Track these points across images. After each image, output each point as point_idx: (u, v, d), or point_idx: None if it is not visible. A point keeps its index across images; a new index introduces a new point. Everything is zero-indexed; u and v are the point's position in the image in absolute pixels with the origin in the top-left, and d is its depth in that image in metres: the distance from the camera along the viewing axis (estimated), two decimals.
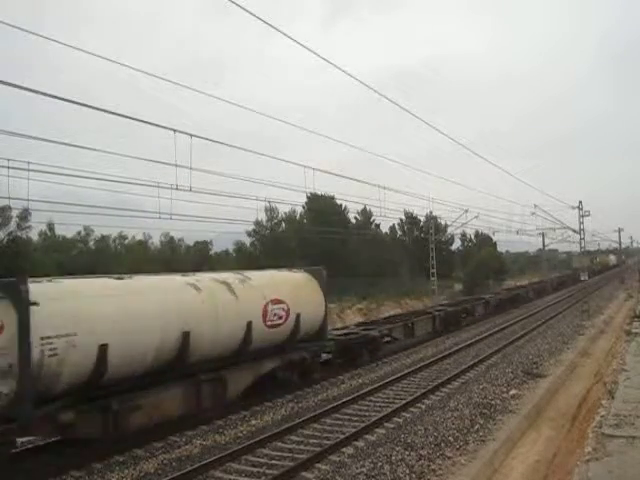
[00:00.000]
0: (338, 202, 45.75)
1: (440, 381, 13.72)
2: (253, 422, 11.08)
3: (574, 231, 33.87)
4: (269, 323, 12.13)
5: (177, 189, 16.04)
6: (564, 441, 9.31)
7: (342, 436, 9.63)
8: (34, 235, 38.99)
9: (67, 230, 42.63)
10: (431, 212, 41.69)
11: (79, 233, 42.87)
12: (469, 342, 20.27)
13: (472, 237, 71.24)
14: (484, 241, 67.48)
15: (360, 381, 14.62)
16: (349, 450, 9.05)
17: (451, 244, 62.74)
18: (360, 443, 9.37)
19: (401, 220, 56.76)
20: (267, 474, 8.17)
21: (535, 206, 38.03)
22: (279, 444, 9.59)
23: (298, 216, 49.27)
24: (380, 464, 8.06)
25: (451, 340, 21.55)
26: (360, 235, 47.09)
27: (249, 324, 11.36)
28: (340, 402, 12.06)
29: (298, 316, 12.88)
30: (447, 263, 53.21)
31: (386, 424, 10.42)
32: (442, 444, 8.90)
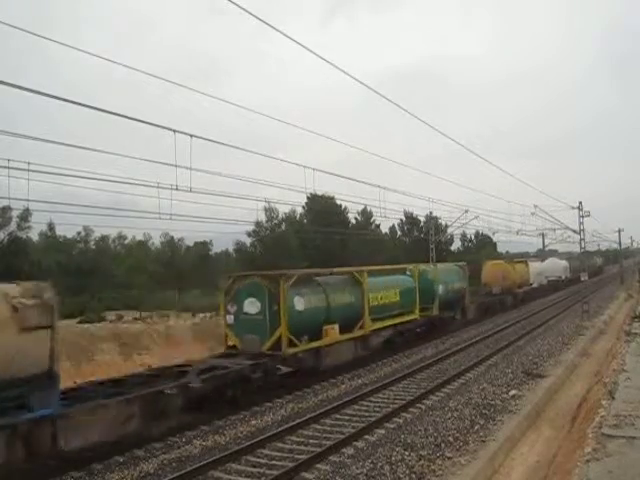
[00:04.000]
0: (338, 202, 45.82)
1: (440, 381, 13.73)
2: (253, 422, 11.09)
3: (574, 231, 33.85)
4: None
5: (177, 189, 16.02)
6: (564, 441, 9.30)
7: (342, 436, 9.63)
8: (34, 235, 39.10)
9: (67, 230, 42.75)
10: (431, 212, 41.72)
11: (79, 233, 42.99)
12: (469, 343, 20.33)
13: (472, 237, 71.27)
14: (484, 242, 67.49)
15: (360, 381, 14.62)
16: (349, 450, 9.06)
17: (451, 244, 62.70)
18: (360, 443, 9.38)
19: (401, 220, 56.80)
20: (267, 474, 8.18)
21: (535, 206, 37.91)
22: (279, 444, 9.60)
23: (298, 216, 49.33)
24: (380, 464, 8.07)
25: (451, 341, 21.59)
26: (360, 235, 47.09)
27: None
28: (340, 402, 12.07)
29: None
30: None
31: (386, 424, 10.43)
32: (442, 444, 8.90)
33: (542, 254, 59.09)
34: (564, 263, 52.61)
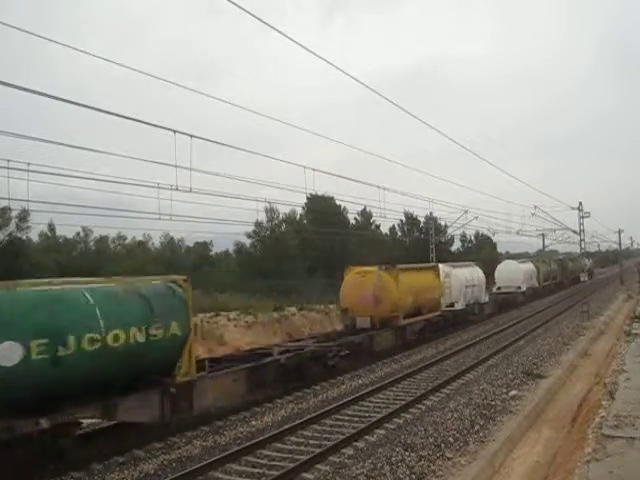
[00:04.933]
0: (338, 203, 45.78)
1: (440, 382, 13.73)
2: (253, 423, 11.09)
3: (574, 232, 33.89)
4: None
5: (177, 190, 16.04)
6: (564, 442, 9.30)
7: (342, 437, 9.63)
8: (34, 236, 39.08)
9: (67, 231, 42.76)
10: (431, 213, 41.71)
11: (77, 234, 42.97)
12: (469, 343, 20.35)
13: (472, 238, 71.27)
14: (484, 242, 67.51)
15: (360, 382, 14.63)
16: (349, 451, 9.05)
17: (451, 245, 62.68)
18: (360, 444, 9.37)
19: (401, 221, 56.77)
20: (267, 475, 8.18)
21: (535, 207, 37.86)
22: (279, 445, 9.59)
23: (298, 217, 49.30)
24: (380, 465, 8.06)
25: (451, 341, 21.61)
26: (360, 236, 47.08)
27: None
28: (340, 403, 12.06)
29: None
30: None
31: (386, 425, 10.42)
32: (442, 445, 8.89)
33: (542, 255, 59.00)
34: (526, 268, 37.86)
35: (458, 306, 24.97)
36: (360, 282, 19.30)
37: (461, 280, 25.50)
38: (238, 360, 13.57)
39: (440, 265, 24.41)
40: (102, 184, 17.50)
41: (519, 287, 35.60)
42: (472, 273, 27.64)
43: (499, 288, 35.23)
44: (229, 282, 41.54)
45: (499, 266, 37.75)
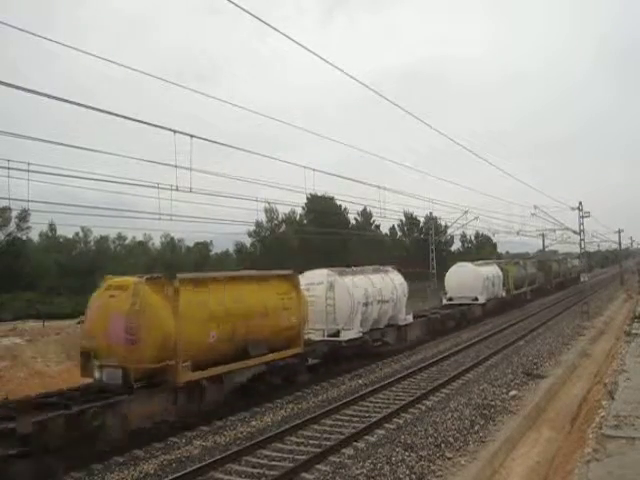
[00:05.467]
0: (338, 203, 45.82)
1: (440, 382, 13.73)
2: (253, 423, 11.09)
3: (574, 232, 33.84)
4: None
5: (177, 190, 16.01)
6: (564, 442, 9.31)
7: (342, 437, 9.63)
8: (34, 236, 39.12)
9: (67, 231, 42.83)
10: (431, 213, 41.66)
11: (77, 234, 43.04)
12: (469, 343, 20.35)
13: (472, 238, 71.28)
14: (484, 242, 67.53)
15: (360, 382, 14.63)
16: (349, 451, 9.06)
17: (451, 245, 62.69)
18: (360, 444, 9.37)
19: (401, 221, 56.80)
20: (267, 475, 8.18)
21: (535, 207, 37.82)
22: (279, 445, 9.59)
23: (298, 217, 49.36)
24: (380, 465, 8.06)
25: (451, 341, 21.60)
26: (360, 236, 47.11)
27: None
28: (340, 403, 12.07)
29: None
30: (447, 264, 53.14)
31: (386, 425, 10.42)
32: (442, 445, 8.90)
33: (542, 255, 58.94)
34: (487, 272, 29.48)
35: (349, 335, 16.13)
36: (108, 304, 10.38)
37: (356, 295, 16.58)
38: None
39: (313, 273, 16.69)
40: (102, 184, 17.43)
41: (476, 298, 27.81)
42: (383, 282, 18.63)
43: (450, 299, 28.18)
44: None
45: (450, 270, 29.54)
